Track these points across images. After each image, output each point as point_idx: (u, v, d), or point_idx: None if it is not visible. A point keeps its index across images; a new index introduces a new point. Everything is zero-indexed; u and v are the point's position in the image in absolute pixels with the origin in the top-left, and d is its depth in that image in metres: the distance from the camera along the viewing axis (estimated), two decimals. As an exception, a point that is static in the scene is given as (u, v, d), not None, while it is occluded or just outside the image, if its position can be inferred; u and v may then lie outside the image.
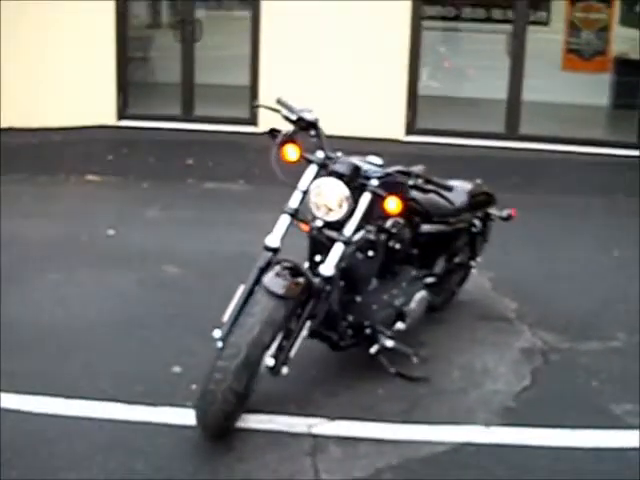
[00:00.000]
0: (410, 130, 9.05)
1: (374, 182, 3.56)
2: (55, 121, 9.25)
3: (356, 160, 3.70)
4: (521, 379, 3.96)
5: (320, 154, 3.66)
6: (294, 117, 3.68)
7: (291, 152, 3.60)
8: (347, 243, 3.51)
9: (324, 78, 8.95)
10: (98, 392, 3.74)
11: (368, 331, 3.81)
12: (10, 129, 9.32)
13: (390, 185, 3.59)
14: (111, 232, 6.15)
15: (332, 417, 3.58)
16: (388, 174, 3.60)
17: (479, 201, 4.59)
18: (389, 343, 3.82)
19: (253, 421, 3.54)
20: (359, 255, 3.69)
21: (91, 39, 9.14)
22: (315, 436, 3.45)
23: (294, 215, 3.57)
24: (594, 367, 4.12)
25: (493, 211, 4.71)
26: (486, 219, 4.72)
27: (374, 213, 3.66)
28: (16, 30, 9.05)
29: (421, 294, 4.10)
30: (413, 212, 4.04)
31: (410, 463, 3.26)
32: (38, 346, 4.24)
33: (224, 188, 7.70)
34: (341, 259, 3.56)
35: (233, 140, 9.07)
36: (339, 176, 3.49)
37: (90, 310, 4.70)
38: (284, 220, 3.56)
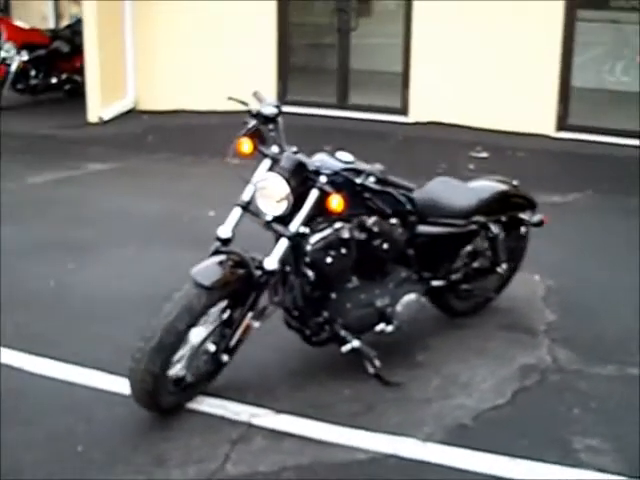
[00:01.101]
0: (561, 126, 8.53)
1: (322, 179, 3.49)
2: (219, 105, 9.78)
3: (323, 156, 3.66)
4: (498, 397, 3.70)
5: (274, 149, 3.64)
6: (254, 112, 3.69)
7: (245, 146, 3.61)
8: (291, 238, 3.49)
9: (473, 68, 8.69)
10: (93, 360, 4.00)
11: (338, 328, 3.75)
12: (181, 111, 10.03)
13: (341, 183, 3.50)
14: (212, 213, 6.44)
15: (279, 410, 3.58)
16: (336, 172, 3.51)
17: (503, 204, 4.31)
18: (355, 343, 3.73)
19: (205, 404, 3.63)
20: (331, 251, 3.62)
21: (254, 27, 9.55)
22: (251, 426, 3.47)
23: (245, 208, 3.59)
24: (590, 393, 3.74)
25: (524, 215, 4.39)
26: (516, 223, 4.41)
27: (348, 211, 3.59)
28: (191, 19, 9.71)
29: (411, 297, 3.94)
30: (406, 212, 3.90)
31: (318, 466, 3.20)
32: (69, 312, 4.61)
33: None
34: (303, 254, 3.55)
35: (380, 130, 9.07)
36: (281, 172, 3.47)
37: (142, 286, 4.95)
38: (236, 212, 3.60)
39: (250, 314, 3.51)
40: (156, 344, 3.25)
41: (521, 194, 4.43)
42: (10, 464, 3.19)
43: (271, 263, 3.47)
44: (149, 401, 3.38)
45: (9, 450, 3.28)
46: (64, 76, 11.31)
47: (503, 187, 4.36)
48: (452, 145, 8.37)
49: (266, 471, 3.18)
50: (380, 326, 3.88)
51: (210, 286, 3.32)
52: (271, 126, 3.68)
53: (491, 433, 3.43)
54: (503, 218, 4.33)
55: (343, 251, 3.65)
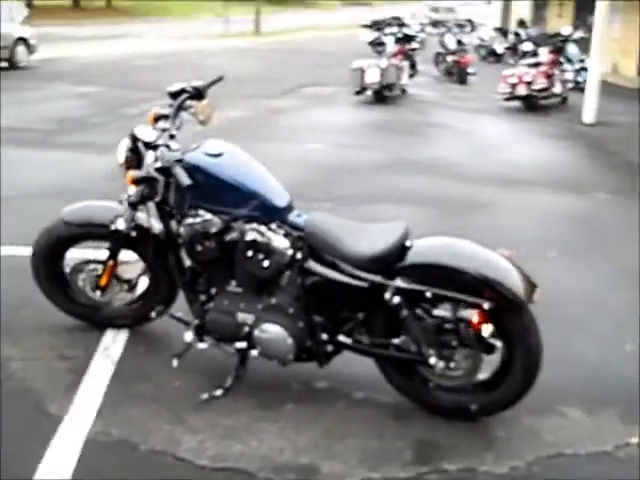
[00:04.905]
0: None
1: (149, 158, 3.24)
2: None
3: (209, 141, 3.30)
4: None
5: (162, 124, 3.37)
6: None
7: (151, 117, 3.41)
8: (130, 205, 3.44)
9: None
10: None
11: (199, 321, 3.36)
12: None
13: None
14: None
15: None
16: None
17: (440, 278, 3.00)
18: (187, 337, 3.31)
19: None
20: (202, 241, 3.23)
21: None
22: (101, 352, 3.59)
23: None
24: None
25: (464, 312, 2.95)
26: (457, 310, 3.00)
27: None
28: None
29: (271, 327, 3.17)
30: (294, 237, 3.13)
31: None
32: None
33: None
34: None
35: None
36: (128, 142, 3.35)
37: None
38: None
39: (111, 262, 3.61)
40: (32, 252, 3.67)
41: (484, 279, 2.88)
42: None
43: (119, 223, 3.49)
44: (51, 301, 3.77)
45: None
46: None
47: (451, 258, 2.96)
48: None
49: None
50: (240, 344, 3.27)
51: (65, 221, 3.58)
52: (171, 101, 3.43)
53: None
54: (428, 294, 3.00)
55: (212, 245, 3.22)
